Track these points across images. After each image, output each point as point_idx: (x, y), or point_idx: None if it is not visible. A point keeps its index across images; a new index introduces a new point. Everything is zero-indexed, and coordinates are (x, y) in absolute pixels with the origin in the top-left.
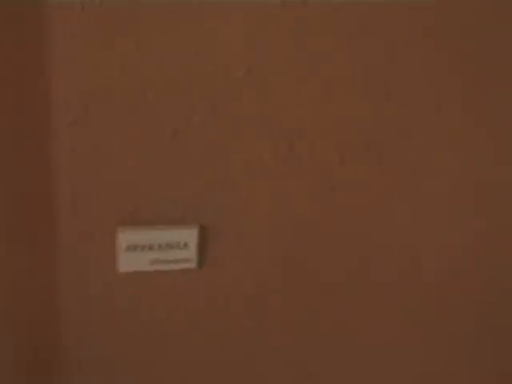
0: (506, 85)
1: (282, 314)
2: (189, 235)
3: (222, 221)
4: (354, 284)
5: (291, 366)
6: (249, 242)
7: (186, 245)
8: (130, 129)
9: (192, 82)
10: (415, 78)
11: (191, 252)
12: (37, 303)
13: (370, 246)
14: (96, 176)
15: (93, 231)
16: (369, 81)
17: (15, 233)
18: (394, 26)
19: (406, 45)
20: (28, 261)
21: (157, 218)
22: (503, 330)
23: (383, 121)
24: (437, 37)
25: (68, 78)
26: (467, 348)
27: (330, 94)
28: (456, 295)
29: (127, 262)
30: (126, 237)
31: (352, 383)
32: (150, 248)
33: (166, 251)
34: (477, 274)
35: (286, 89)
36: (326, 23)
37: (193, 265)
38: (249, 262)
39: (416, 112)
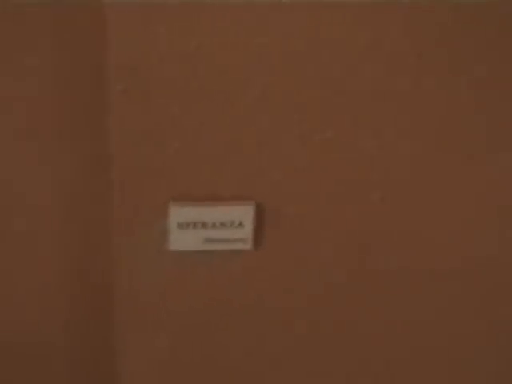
0: None
1: (343, 308)
2: (244, 213)
3: (280, 200)
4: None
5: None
6: (309, 224)
7: (241, 224)
8: (184, 101)
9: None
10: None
11: (247, 231)
12: (89, 279)
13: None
14: (148, 149)
15: (145, 206)
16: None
17: (70, 207)
18: None
19: None
20: (81, 237)
21: (211, 194)
22: None
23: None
24: None
25: (121, 47)
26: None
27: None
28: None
29: (179, 240)
30: (177, 213)
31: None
32: (203, 226)
33: (220, 230)
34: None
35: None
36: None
37: (248, 245)
38: (309, 247)
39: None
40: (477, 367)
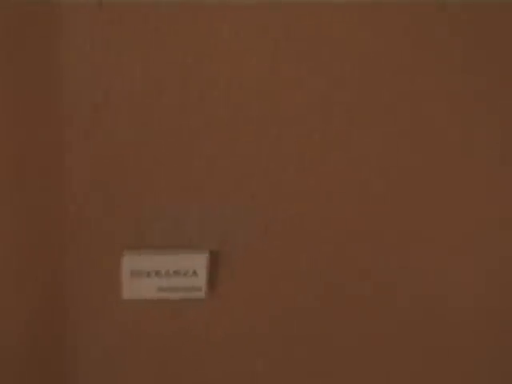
0: None
1: (293, 353)
2: (198, 262)
3: (233, 246)
4: (378, 313)
5: None
6: (263, 271)
7: (194, 272)
8: (139, 145)
9: (206, 87)
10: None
11: (201, 280)
12: (44, 328)
13: (395, 274)
14: (103, 195)
15: (99, 255)
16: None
17: (24, 255)
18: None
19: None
20: (36, 278)
21: (164, 242)
22: None
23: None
24: None
25: (81, 80)
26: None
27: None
28: (482, 333)
29: (132, 289)
30: (131, 261)
31: None
32: (157, 274)
33: (174, 278)
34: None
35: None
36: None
37: (202, 294)
38: (262, 294)
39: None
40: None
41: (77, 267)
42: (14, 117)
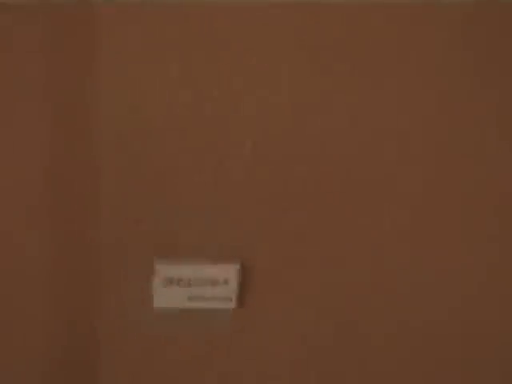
0: None
1: (321, 368)
2: (229, 272)
3: (264, 260)
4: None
5: None
6: (294, 285)
7: (225, 282)
8: (172, 156)
9: (241, 105)
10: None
11: (231, 290)
12: (76, 336)
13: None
14: (135, 205)
15: (131, 263)
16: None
17: (60, 261)
18: None
19: None
20: (69, 293)
21: (196, 252)
22: None
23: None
24: None
25: (113, 92)
26: None
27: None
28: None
29: (163, 297)
30: (163, 270)
31: None
32: (188, 283)
33: (205, 288)
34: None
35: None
36: None
37: (232, 304)
38: (293, 309)
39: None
40: None
41: (109, 276)
42: (54, 116)
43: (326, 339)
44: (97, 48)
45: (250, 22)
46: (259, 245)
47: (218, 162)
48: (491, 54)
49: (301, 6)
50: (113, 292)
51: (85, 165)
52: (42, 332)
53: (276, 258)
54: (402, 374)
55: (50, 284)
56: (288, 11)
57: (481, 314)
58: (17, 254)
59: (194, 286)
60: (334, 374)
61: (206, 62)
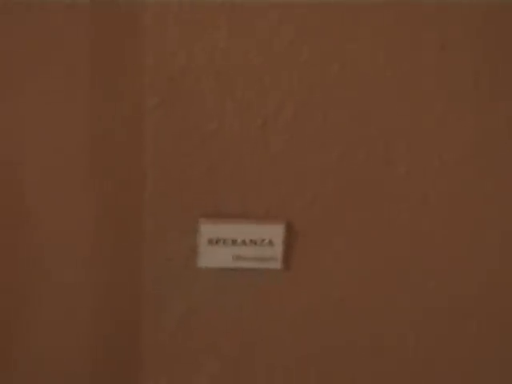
0: None
1: (365, 328)
2: (275, 232)
3: (310, 220)
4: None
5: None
6: (340, 246)
7: (270, 242)
8: (217, 117)
9: (283, 71)
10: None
11: (277, 250)
12: (119, 296)
13: None
14: (181, 164)
15: (176, 222)
16: None
17: (105, 218)
18: None
19: None
20: (114, 251)
21: (242, 212)
22: None
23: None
24: None
25: (157, 58)
26: None
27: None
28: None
29: (208, 257)
30: (208, 229)
31: None
32: (233, 243)
33: (250, 248)
34: None
35: (378, 86)
36: None
37: (278, 264)
38: (339, 267)
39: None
40: None
41: (154, 235)
42: (97, 88)
43: (367, 301)
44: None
45: None
46: (304, 206)
47: (262, 122)
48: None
49: None
50: (157, 252)
51: (129, 125)
52: (86, 287)
53: (321, 220)
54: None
55: (95, 242)
56: None
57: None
58: (63, 212)
59: (239, 246)
60: (378, 332)
61: (250, 28)
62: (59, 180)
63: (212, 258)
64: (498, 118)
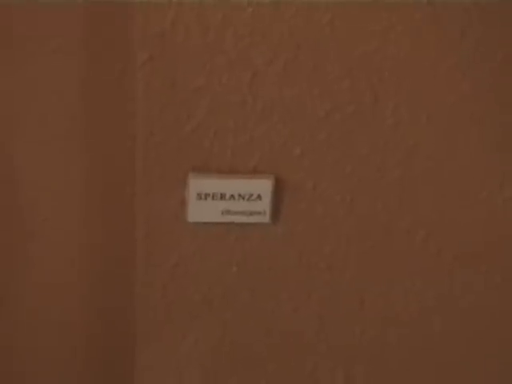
0: None
1: (357, 283)
2: (263, 186)
3: (299, 174)
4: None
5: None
6: (328, 200)
7: (259, 197)
8: (205, 72)
9: (273, 25)
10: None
11: (265, 205)
12: (110, 252)
13: None
14: (168, 119)
15: (165, 177)
16: None
17: (92, 182)
18: None
19: None
20: (104, 209)
21: (230, 167)
22: None
23: None
24: None
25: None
26: None
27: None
28: None
29: (197, 212)
30: (197, 184)
31: None
32: (222, 197)
33: (239, 202)
34: None
35: (367, 41)
36: None
37: (266, 218)
38: (326, 223)
39: None
40: None
41: (144, 191)
42: (88, 47)
43: (357, 253)
44: None
45: None
46: (293, 160)
47: (252, 76)
48: None
49: None
50: (147, 206)
51: (121, 82)
52: (77, 246)
53: (309, 174)
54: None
55: (85, 199)
56: None
57: None
58: (52, 170)
59: (228, 200)
60: (368, 286)
61: None
62: (50, 137)
63: (201, 212)
64: (486, 71)
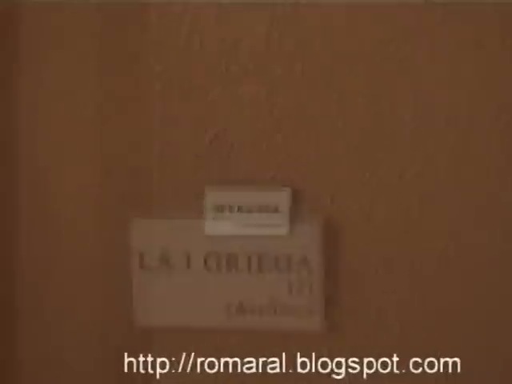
0: None
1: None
2: (280, 198)
3: (318, 187)
4: None
5: None
6: (346, 212)
7: (276, 209)
8: (221, 83)
9: (289, 35)
10: None
11: (283, 217)
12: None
13: None
14: (187, 133)
15: (182, 190)
16: None
17: (107, 192)
18: None
19: None
20: (116, 223)
21: (246, 178)
22: None
23: None
24: None
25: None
26: None
27: None
28: None
29: (214, 225)
30: (213, 197)
31: None
32: (239, 210)
33: (256, 214)
34: None
35: (385, 44)
36: None
37: (284, 231)
38: (347, 228)
39: None
40: None
41: (160, 202)
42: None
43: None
44: None
45: None
46: (311, 171)
47: (268, 86)
48: None
49: None
50: (164, 219)
51: (137, 92)
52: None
53: (328, 184)
54: None
55: (99, 207)
56: None
57: None
58: (69, 174)
59: (245, 212)
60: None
61: None
62: (66, 143)
63: (218, 225)
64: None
